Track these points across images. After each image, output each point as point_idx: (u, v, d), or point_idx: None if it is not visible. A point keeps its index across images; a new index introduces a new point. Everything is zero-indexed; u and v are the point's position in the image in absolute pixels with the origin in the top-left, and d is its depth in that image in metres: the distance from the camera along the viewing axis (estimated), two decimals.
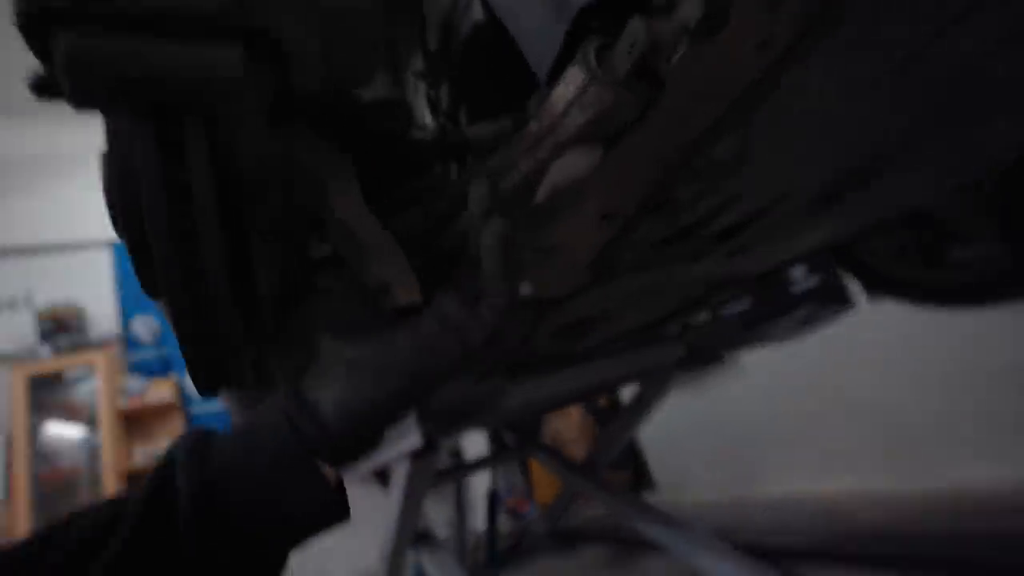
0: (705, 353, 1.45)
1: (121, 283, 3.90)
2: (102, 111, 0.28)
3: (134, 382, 3.61)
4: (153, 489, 0.32)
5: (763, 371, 2.36)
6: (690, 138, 0.47)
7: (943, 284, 1.19)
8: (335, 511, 0.36)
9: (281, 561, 0.36)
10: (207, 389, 0.35)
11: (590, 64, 0.38)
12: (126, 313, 3.86)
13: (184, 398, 3.77)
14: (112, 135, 0.29)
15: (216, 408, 3.77)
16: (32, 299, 3.62)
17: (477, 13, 0.54)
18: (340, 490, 0.37)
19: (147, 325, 3.85)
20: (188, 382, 3.83)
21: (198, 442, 0.34)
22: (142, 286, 0.32)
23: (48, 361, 3.41)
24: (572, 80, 0.39)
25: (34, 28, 0.25)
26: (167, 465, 0.33)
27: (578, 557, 2.42)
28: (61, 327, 3.50)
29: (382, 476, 1.64)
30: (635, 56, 0.36)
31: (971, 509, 1.53)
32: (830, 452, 2.14)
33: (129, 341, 3.80)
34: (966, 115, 0.67)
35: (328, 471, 0.35)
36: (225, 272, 0.29)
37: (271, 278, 0.33)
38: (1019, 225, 1.09)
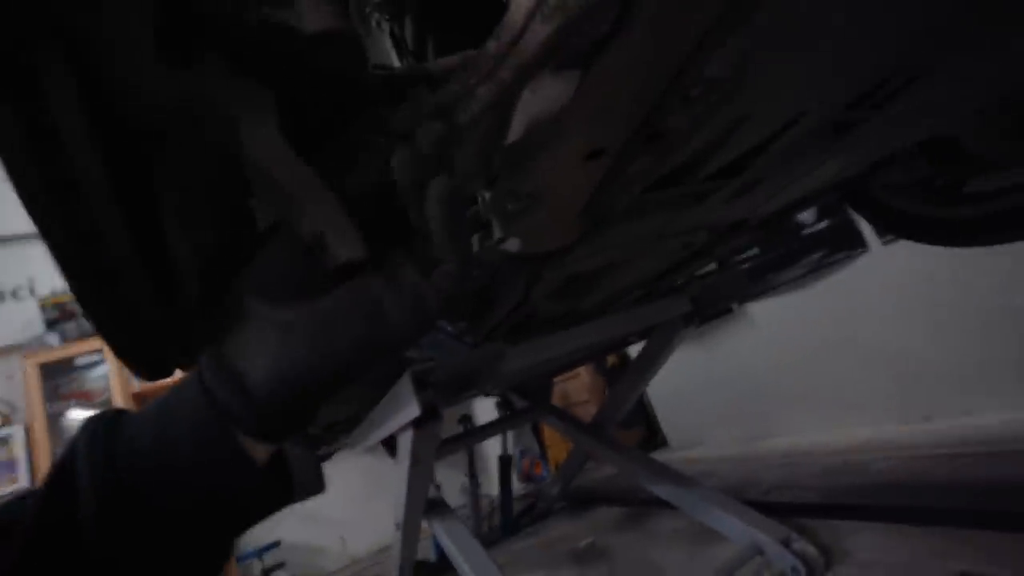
0: (711, 306, 1.40)
1: None
2: None
3: None
4: (52, 484, 0.28)
5: (772, 322, 2.32)
6: (678, 52, 0.41)
7: (964, 219, 1.12)
8: (268, 492, 0.32)
9: (216, 554, 0.32)
10: (150, 373, 0.31)
11: None
12: None
13: None
14: None
15: None
16: (35, 288, 3.62)
17: None
18: (276, 468, 0.33)
19: None
20: None
21: (104, 425, 0.30)
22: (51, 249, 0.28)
23: (57, 349, 3.43)
24: None
25: None
26: (69, 455, 0.29)
27: (591, 518, 2.44)
28: (66, 315, 3.51)
29: (391, 446, 1.63)
30: None
31: (984, 455, 1.50)
32: (842, 402, 2.12)
33: None
34: (995, 20, 0.59)
35: (257, 447, 0.30)
36: (125, 233, 0.24)
37: (197, 240, 0.28)
38: None
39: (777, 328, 2.29)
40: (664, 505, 1.83)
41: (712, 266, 1.99)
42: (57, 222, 0.22)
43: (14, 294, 3.62)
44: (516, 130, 0.49)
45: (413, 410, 0.98)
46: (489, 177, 0.53)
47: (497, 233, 0.72)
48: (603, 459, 2.12)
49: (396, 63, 0.64)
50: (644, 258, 1.11)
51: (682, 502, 1.61)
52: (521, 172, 0.53)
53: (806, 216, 1.98)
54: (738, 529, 1.43)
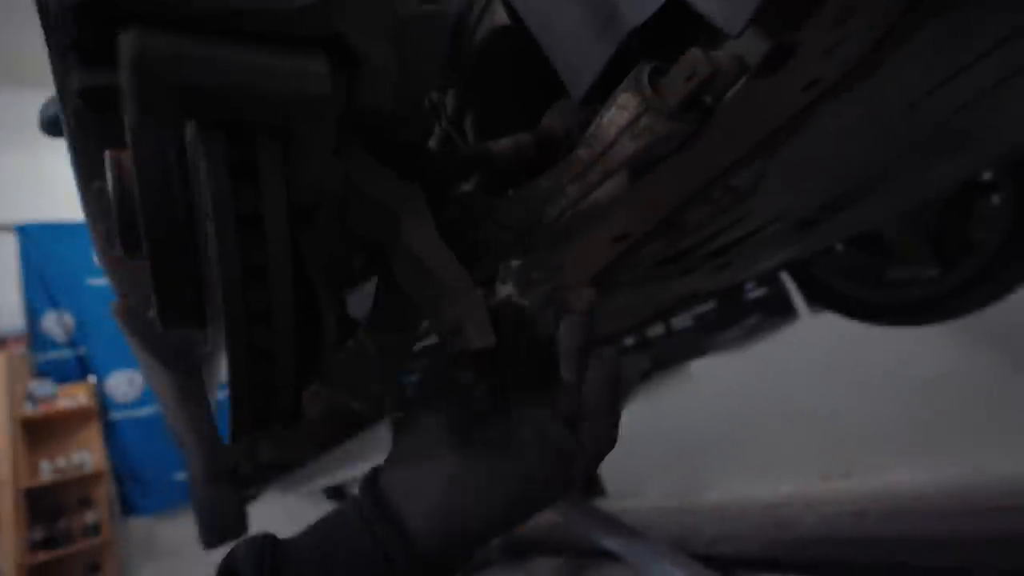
0: (667, 366, 1.49)
1: (28, 274, 3.36)
2: (164, 124, 0.23)
3: (42, 386, 3.22)
4: None
5: (710, 379, 2.47)
6: (718, 170, 0.48)
7: (881, 301, 1.29)
8: None
9: None
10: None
11: (644, 91, 0.37)
12: (34, 308, 3.33)
13: (103, 404, 3.39)
14: (144, 143, 0.25)
15: (140, 414, 3.44)
16: None
17: (499, 16, 0.52)
18: None
19: (60, 322, 3.40)
20: (110, 385, 3.51)
21: (265, 553, 0.29)
22: (164, 318, 0.28)
23: None
24: (624, 106, 0.38)
25: (89, 22, 0.21)
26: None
27: (529, 568, 2.42)
28: None
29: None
30: (692, 87, 0.36)
31: (899, 511, 1.67)
32: (770, 458, 2.27)
33: (37, 339, 3.36)
34: (933, 154, 0.72)
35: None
36: (293, 316, 0.25)
37: (332, 314, 0.29)
38: (950, 250, 1.20)
39: (714, 385, 2.44)
40: (605, 556, 1.85)
41: (661, 328, 2.12)
42: (240, 303, 0.23)
43: None
44: (566, 216, 0.53)
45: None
46: (525, 250, 0.57)
47: (504, 293, 0.76)
48: (550, 508, 2.12)
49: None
50: (618, 319, 1.18)
51: (629, 554, 1.64)
52: (555, 249, 0.57)
53: (746, 284, 2.17)
54: None
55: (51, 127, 0.77)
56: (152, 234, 0.25)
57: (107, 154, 0.30)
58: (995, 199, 1.15)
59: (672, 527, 2.25)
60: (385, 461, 0.32)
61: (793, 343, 2.14)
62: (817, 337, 2.04)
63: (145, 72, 0.21)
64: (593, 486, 3.22)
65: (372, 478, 0.32)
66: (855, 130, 0.51)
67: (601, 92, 0.43)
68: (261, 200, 0.23)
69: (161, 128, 0.24)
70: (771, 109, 0.40)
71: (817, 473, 2.11)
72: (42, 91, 0.62)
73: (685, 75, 0.36)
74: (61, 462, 3.15)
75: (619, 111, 0.38)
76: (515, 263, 0.63)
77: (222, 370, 0.32)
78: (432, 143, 0.66)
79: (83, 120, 0.41)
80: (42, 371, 3.31)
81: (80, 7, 0.20)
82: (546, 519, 3.12)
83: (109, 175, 0.30)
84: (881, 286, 1.34)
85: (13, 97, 3.57)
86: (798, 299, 2.08)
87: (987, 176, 1.15)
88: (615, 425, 0.33)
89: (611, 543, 1.71)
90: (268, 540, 0.31)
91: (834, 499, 1.92)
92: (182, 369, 0.74)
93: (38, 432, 3.20)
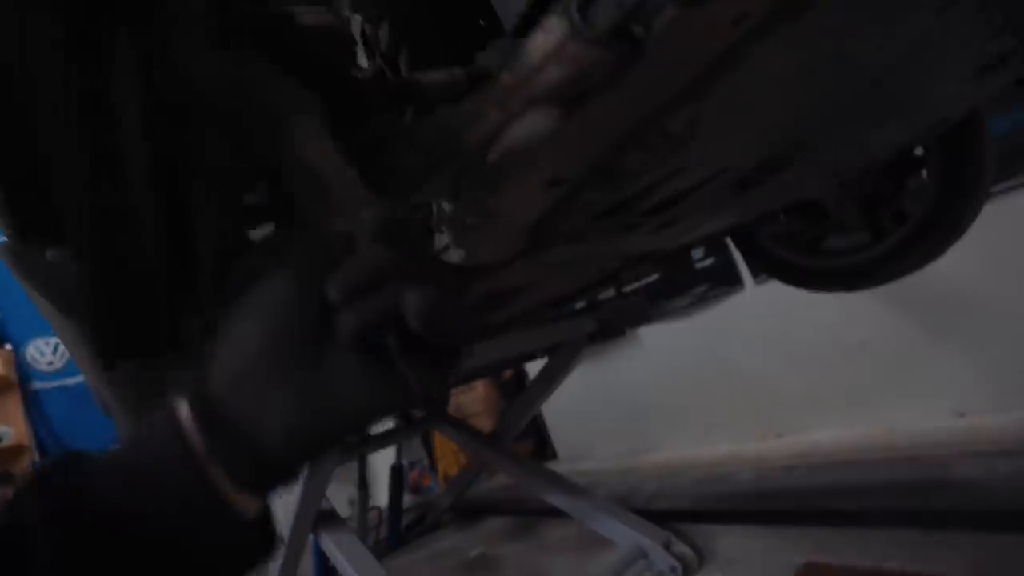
0: (614, 328, 1.52)
1: None
2: None
3: None
4: None
5: (659, 346, 2.55)
6: (651, 108, 0.47)
7: (818, 268, 1.35)
8: (258, 550, 0.29)
9: None
10: (110, 357, 0.28)
11: (572, 17, 0.36)
12: None
13: (21, 372, 3.15)
14: None
15: (64, 383, 3.24)
16: None
17: None
18: (263, 522, 0.29)
19: None
20: (31, 353, 3.26)
21: (61, 476, 0.25)
22: (17, 229, 0.25)
23: None
24: (551, 31, 0.36)
25: None
26: (14, 511, 0.24)
27: (481, 529, 2.47)
28: None
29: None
30: (622, 14, 0.34)
31: (819, 465, 1.79)
32: (711, 421, 2.38)
33: None
34: (865, 118, 0.75)
35: (249, 501, 0.27)
36: (158, 214, 0.23)
37: (212, 231, 0.27)
38: (880, 220, 1.26)
39: (663, 352, 2.52)
40: (552, 514, 1.91)
41: (611, 292, 2.15)
42: (89, 194, 0.21)
43: None
44: (494, 154, 0.52)
45: None
46: (455, 191, 0.55)
47: (443, 243, 0.74)
48: (501, 470, 2.17)
49: (365, 63, 0.64)
50: (560, 278, 1.19)
51: (574, 510, 1.70)
52: (488, 192, 0.56)
53: (696, 254, 2.23)
54: (624, 534, 1.54)
55: None
56: None
57: None
58: (924, 174, 1.21)
59: (617, 486, 2.35)
60: (211, 364, 0.27)
61: (737, 312, 2.22)
62: (758, 307, 2.13)
63: None
64: (544, 450, 3.30)
65: (205, 390, 0.27)
66: (787, 78, 0.51)
67: (533, 23, 0.41)
68: (113, 79, 0.20)
69: None
70: (701, 43, 0.39)
71: (753, 433, 2.23)
72: None
73: (615, 2, 0.35)
74: None
75: (545, 36, 0.37)
76: (447, 206, 0.61)
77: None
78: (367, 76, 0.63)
79: None
80: None
81: None
82: (497, 482, 3.20)
83: None
84: (818, 254, 1.39)
85: None
86: (744, 270, 2.16)
87: (918, 152, 1.21)
88: (442, 367, 0.29)
89: (556, 500, 1.76)
90: (67, 457, 0.27)
91: (768, 456, 2.04)
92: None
93: None
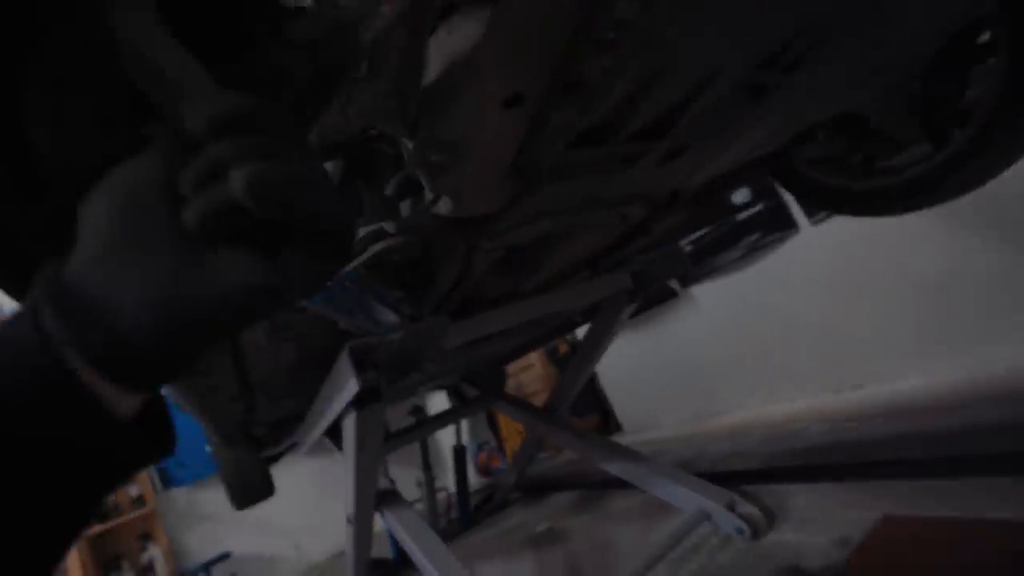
0: (652, 282, 1.44)
1: None
2: None
3: None
4: None
5: (715, 305, 2.41)
6: None
7: (876, 190, 1.20)
8: (135, 449, 0.27)
9: (60, 528, 0.26)
10: (9, 285, 0.28)
11: None
12: None
13: None
14: None
15: None
16: None
17: None
18: (149, 419, 0.28)
19: None
20: None
21: None
22: None
23: None
24: None
25: None
26: None
27: (548, 505, 2.47)
28: None
29: (336, 437, 1.60)
30: None
31: (904, 413, 1.62)
32: (780, 377, 2.22)
33: None
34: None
35: (122, 397, 0.25)
36: None
37: (63, 136, 0.26)
38: (941, 123, 1.10)
39: (719, 310, 2.38)
40: (617, 485, 1.87)
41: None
42: None
43: None
44: (432, 72, 0.49)
45: (352, 388, 0.96)
46: (408, 123, 0.52)
47: (428, 194, 0.72)
48: (556, 442, 2.15)
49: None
50: (584, 232, 1.13)
51: (633, 477, 1.65)
52: (441, 118, 0.52)
53: (742, 198, 2.07)
54: (686, 498, 1.48)
55: None
56: None
57: None
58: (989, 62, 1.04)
59: (683, 451, 2.25)
60: (73, 252, 0.25)
61: (795, 258, 2.05)
62: (818, 249, 1.95)
63: None
64: (608, 423, 3.24)
65: (60, 271, 0.25)
66: None
67: None
68: None
69: None
70: None
71: (828, 387, 2.06)
72: None
73: None
74: None
75: None
76: (409, 144, 0.58)
77: None
78: None
79: None
80: None
81: None
82: (562, 458, 3.18)
83: None
84: (872, 174, 1.24)
85: None
86: (797, 211, 1.99)
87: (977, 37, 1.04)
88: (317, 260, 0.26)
89: (616, 469, 1.72)
90: None
91: (844, 409, 1.88)
92: None
93: None
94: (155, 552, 3.28)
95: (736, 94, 0.73)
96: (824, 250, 1.93)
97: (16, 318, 0.25)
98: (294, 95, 0.33)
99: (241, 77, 0.31)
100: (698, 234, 2.25)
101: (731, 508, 1.39)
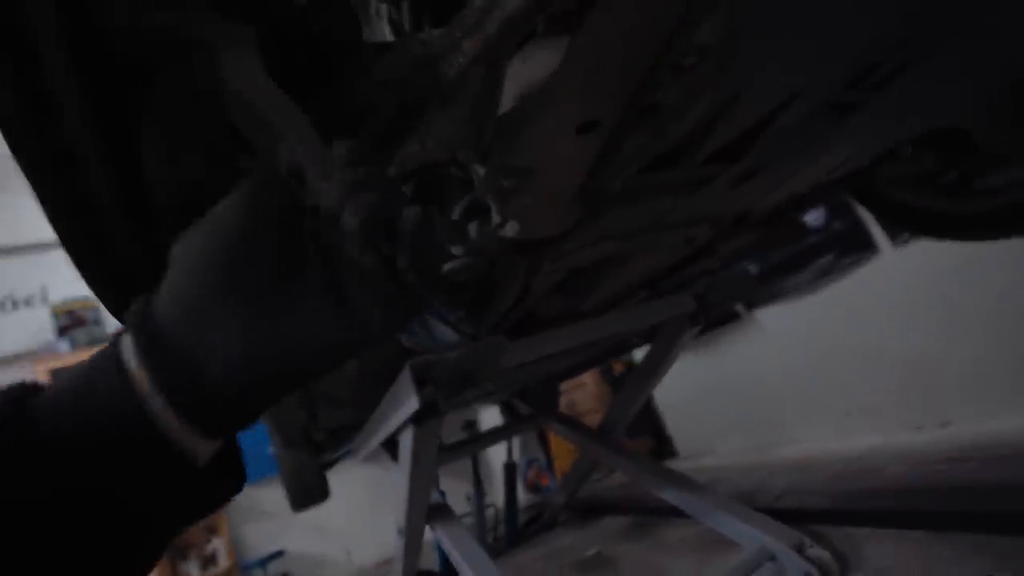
0: (716, 305, 1.38)
1: None
2: None
3: None
4: None
5: (782, 328, 2.29)
6: (666, 20, 0.41)
7: (971, 213, 1.10)
8: (206, 495, 0.27)
9: (136, 560, 0.26)
10: (117, 307, 0.30)
11: None
12: None
13: None
14: None
15: None
16: (48, 296, 3.68)
17: None
18: (221, 467, 0.28)
19: None
20: None
21: (14, 405, 0.24)
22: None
23: (67, 356, 3.47)
24: None
25: None
26: None
27: (598, 528, 2.40)
28: (78, 322, 3.56)
29: (392, 448, 1.62)
30: None
31: (1001, 458, 1.46)
32: (854, 408, 2.07)
33: None
34: (984, 12, 0.59)
35: (201, 443, 0.25)
36: (103, 161, 0.24)
37: (178, 176, 0.28)
38: None
39: (787, 334, 2.25)
40: (672, 513, 1.79)
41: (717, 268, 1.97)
42: (31, 139, 0.22)
43: (27, 302, 3.68)
44: (508, 101, 0.49)
45: (412, 405, 0.97)
46: (481, 150, 0.53)
47: (495, 217, 0.72)
48: (609, 465, 2.09)
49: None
50: (646, 253, 1.10)
51: (690, 508, 1.58)
52: (514, 144, 0.52)
53: (815, 218, 1.96)
54: (749, 535, 1.39)
55: None
56: None
57: None
58: None
59: (742, 482, 2.14)
60: (162, 292, 0.26)
61: (875, 282, 1.91)
62: (902, 273, 1.81)
63: None
64: (663, 447, 3.13)
65: (145, 312, 0.26)
66: None
67: None
68: (30, 20, 0.21)
69: None
70: None
71: (908, 423, 1.90)
72: None
73: None
74: None
75: None
76: (480, 170, 0.59)
77: None
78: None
79: None
80: None
81: None
82: (614, 480, 3.09)
83: None
84: (968, 195, 1.14)
85: None
86: (878, 231, 1.86)
87: None
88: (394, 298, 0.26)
89: (671, 496, 1.65)
90: (19, 390, 0.26)
91: (927, 450, 1.72)
92: None
93: None
94: (218, 544, 3.45)
95: (819, 113, 0.69)
96: (908, 274, 1.79)
97: (102, 358, 0.26)
98: (380, 128, 0.34)
99: (333, 114, 0.32)
100: (765, 253, 2.15)
101: (799, 550, 1.30)
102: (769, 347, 2.35)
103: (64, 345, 3.51)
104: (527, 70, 0.45)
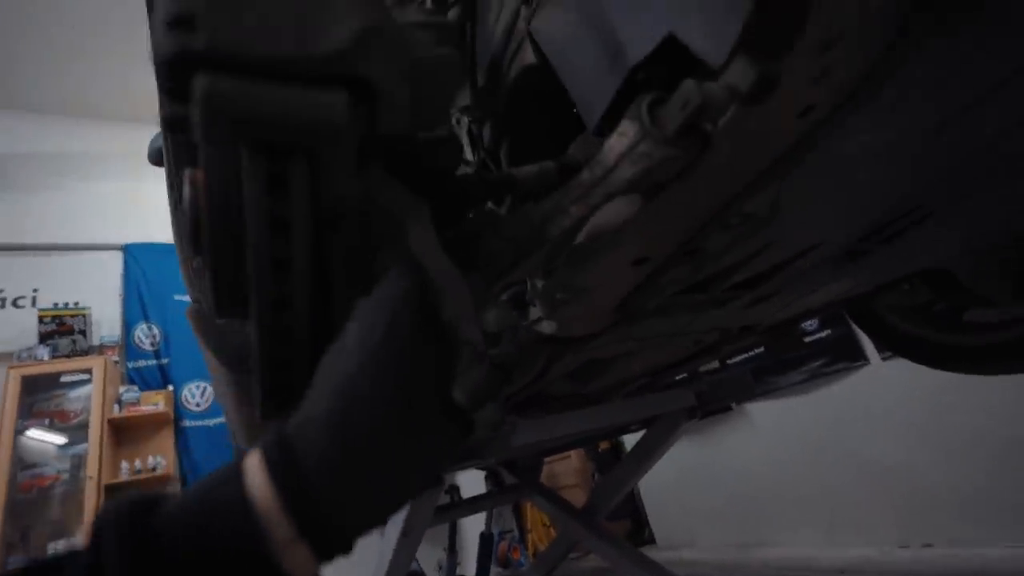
0: (714, 402, 1.44)
1: (128, 289, 3.84)
2: (221, 144, 0.30)
3: (130, 391, 3.51)
4: None
5: (772, 425, 2.33)
6: (726, 194, 0.49)
7: (958, 345, 1.19)
8: None
9: None
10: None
11: (643, 120, 0.40)
12: (129, 320, 3.76)
13: (177, 411, 3.64)
14: (213, 163, 0.32)
15: (209, 423, 3.69)
16: (37, 300, 3.60)
17: (528, 55, 0.57)
18: None
19: (149, 333, 3.77)
20: (184, 395, 3.77)
21: (135, 523, 0.26)
22: (217, 305, 0.33)
23: (44, 363, 3.33)
24: (625, 133, 0.41)
25: (175, 69, 0.27)
26: (93, 552, 0.25)
27: None
28: (63, 329, 3.48)
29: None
30: (686, 115, 0.38)
31: None
32: (838, 516, 2.09)
33: (130, 348, 3.71)
34: (981, 182, 0.69)
35: (310, 565, 0.27)
36: (308, 302, 0.30)
37: (347, 307, 0.34)
38: None
39: (776, 432, 2.30)
40: None
41: (715, 364, 2.04)
42: (269, 289, 0.28)
43: (15, 303, 3.61)
44: (582, 235, 0.57)
45: None
46: (548, 269, 0.60)
47: (536, 315, 0.79)
48: (591, 548, 2.06)
49: (470, 155, 0.73)
50: (656, 350, 1.17)
51: None
52: (577, 270, 0.60)
53: (809, 324, 2.06)
54: None
55: (156, 157, 0.91)
56: (211, 234, 0.31)
57: (185, 171, 0.38)
58: None
59: None
60: (303, 414, 0.28)
61: (864, 391, 1.99)
62: (892, 386, 1.89)
63: (206, 106, 0.27)
64: (641, 532, 3.07)
65: (281, 443, 0.27)
66: (875, 154, 0.51)
67: (612, 123, 0.46)
68: (290, 205, 0.28)
69: (218, 148, 0.30)
70: (769, 135, 0.42)
71: (893, 539, 1.91)
72: (150, 127, 0.74)
73: (680, 104, 0.39)
74: (138, 463, 3.37)
75: (619, 138, 0.41)
76: (540, 283, 0.66)
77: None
78: (471, 170, 0.72)
79: (176, 147, 0.50)
80: (131, 378, 3.65)
81: (168, 59, 0.27)
82: (589, 563, 3.01)
83: (185, 188, 0.37)
84: (957, 328, 1.23)
85: (125, 131, 4.11)
86: (868, 343, 1.95)
87: None
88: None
89: None
90: (139, 500, 0.27)
91: (913, 569, 1.73)
92: (240, 370, 0.82)
93: (121, 434, 3.48)
94: None
95: (833, 257, 0.79)
96: (895, 388, 1.87)
97: (228, 478, 0.27)
98: (497, 272, 0.41)
99: (471, 260, 0.40)
100: (758, 351, 2.23)
101: None
102: (758, 442, 2.39)
103: (43, 352, 3.39)
104: (602, 215, 0.53)
